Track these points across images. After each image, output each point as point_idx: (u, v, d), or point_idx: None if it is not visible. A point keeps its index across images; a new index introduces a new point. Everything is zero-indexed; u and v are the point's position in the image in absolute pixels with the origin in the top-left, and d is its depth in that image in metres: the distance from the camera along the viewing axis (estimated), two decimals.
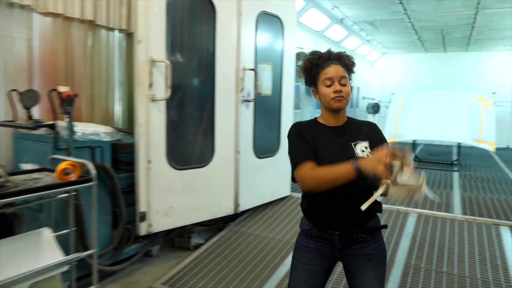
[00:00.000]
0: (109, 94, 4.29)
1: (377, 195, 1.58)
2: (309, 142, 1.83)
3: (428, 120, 8.48)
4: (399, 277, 3.46)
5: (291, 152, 1.85)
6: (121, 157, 3.71)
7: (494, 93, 12.48)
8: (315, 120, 1.95)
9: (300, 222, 2.02)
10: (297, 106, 8.33)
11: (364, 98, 14.54)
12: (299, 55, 7.62)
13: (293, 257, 2.01)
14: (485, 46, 12.86)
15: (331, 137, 1.87)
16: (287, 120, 5.43)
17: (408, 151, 1.52)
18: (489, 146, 7.84)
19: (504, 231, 4.44)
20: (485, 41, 11.77)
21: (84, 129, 3.33)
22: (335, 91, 1.81)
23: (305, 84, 2.02)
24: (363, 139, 1.86)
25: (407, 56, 14.90)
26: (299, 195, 5.74)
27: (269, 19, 5.02)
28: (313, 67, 1.92)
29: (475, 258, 3.79)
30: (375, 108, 14.16)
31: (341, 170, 1.64)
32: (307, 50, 8.15)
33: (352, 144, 1.84)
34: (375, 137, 1.89)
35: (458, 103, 8.66)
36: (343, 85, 1.83)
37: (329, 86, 1.84)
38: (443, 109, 8.55)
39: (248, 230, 4.49)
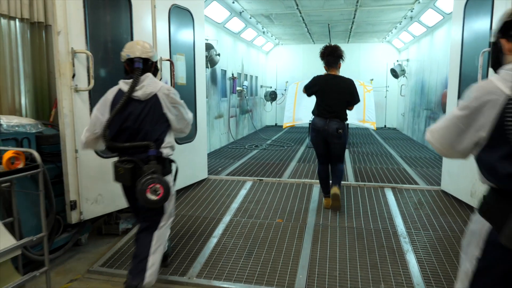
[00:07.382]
0: (15, 87, 4.11)
1: None
2: None
3: None
4: (311, 234, 4.11)
5: None
6: (44, 149, 3.71)
7: (371, 79, 14.25)
8: None
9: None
10: None
11: (262, 86, 15.39)
12: (206, 46, 7.96)
13: None
14: (363, 39, 14.64)
15: None
16: (202, 107, 5.78)
17: None
18: (371, 125, 9.13)
19: (388, 192, 5.43)
20: (363, 34, 13.42)
21: (8, 121, 3.30)
22: None
23: None
24: None
25: (297, 47, 16.13)
26: (216, 177, 6.25)
27: (180, 13, 5.28)
28: None
29: (368, 214, 4.64)
30: (272, 96, 15.11)
31: None
32: (212, 41, 8.52)
33: None
34: None
35: None
36: None
37: None
38: None
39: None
